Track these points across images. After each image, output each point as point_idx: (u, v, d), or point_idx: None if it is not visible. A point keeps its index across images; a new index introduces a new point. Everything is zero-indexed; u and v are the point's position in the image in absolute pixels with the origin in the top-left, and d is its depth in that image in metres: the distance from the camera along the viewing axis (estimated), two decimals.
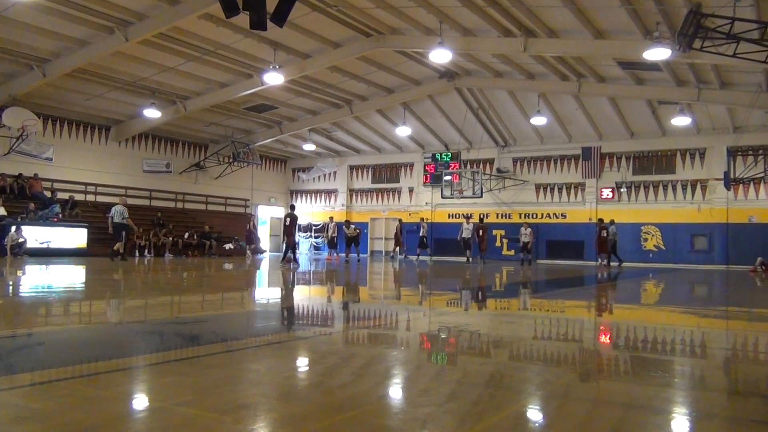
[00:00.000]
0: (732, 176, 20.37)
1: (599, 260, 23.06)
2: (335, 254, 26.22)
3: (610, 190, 25.49)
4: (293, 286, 11.32)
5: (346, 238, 24.51)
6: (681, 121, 21.97)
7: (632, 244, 24.84)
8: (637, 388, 3.41)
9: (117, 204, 18.34)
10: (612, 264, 22.49)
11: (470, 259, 24.44)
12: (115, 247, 17.89)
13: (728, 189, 21.96)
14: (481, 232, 24.03)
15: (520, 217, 26.58)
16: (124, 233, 17.82)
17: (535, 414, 2.87)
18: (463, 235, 24.52)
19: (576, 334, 5.83)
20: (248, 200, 31.37)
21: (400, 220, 27.84)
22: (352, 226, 24.99)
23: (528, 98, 23.44)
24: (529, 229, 23.98)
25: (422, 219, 27.11)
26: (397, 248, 26.73)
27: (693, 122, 22.67)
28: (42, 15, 15.79)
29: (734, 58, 13.41)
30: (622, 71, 19.63)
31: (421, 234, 25.46)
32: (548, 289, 12.25)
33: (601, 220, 22.79)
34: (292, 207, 20.22)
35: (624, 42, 16.76)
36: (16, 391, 3.01)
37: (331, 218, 27.73)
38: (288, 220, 19.17)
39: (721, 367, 4.30)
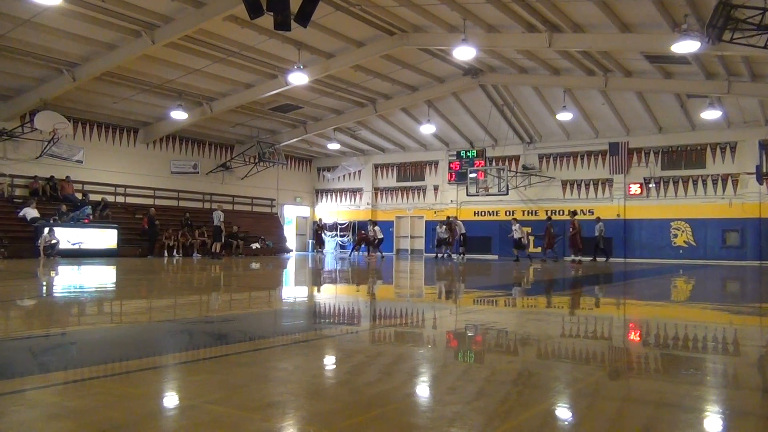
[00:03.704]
0: (764, 170, 19.97)
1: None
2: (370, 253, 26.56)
3: (639, 185, 25.14)
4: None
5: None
6: (711, 114, 21.58)
7: (662, 241, 24.52)
8: (668, 386, 3.36)
9: (216, 210, 22.37)
10: (599, 259, 23.28)
11: (440, 256, 25.58)
12: (213, 249, 21.81)
13: (761, 183, 21.52)
14: (548, 229, 24.05)
15: (546, 214, 26.34)
16: (223, 234, 21.95)
17: (563, 412, 2.84)
18: (441, 235, 25.49)
19: (605, 332, 5.76)
20: (274, 200, 31.61)
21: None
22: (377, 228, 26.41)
23: (553, 94, 23.21)
24: (517, 225, 23.83)
25: (449, 217, 26.96)
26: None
27: (723, 116, 22.25)
28: (71, 20, 16.07)
29: (766, 49, 13.12)
30: (650, 65, 19.33)
31: (461, 233, 25.56)
32: (575, 287, 12.12)
33: (573, 213, 23.44)
34: (374, 222, 26.64)
35: (651, 35, 16.50)
36: (50, 389, 3.07)
37: (371, 220, 27.88)
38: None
39: (755, 364, 4.21)
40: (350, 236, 31.95)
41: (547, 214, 25.50)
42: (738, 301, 9.58)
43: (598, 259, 23.46)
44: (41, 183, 21.80)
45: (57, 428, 2.42)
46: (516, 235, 23.66)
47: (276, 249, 28.26)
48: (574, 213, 23.64)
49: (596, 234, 23.38)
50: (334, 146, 30.10)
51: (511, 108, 24.95)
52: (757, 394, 3.34)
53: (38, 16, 15.67)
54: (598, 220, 23.54)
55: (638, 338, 5.33)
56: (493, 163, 27.61)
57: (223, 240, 22.12)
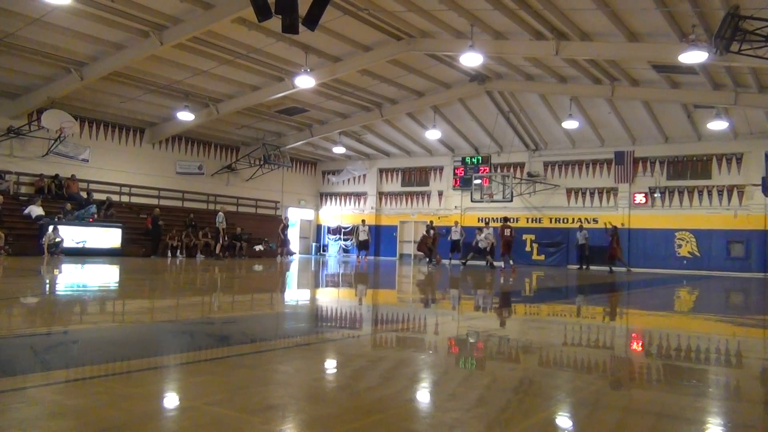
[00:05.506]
0: None
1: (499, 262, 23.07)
2: (363, 256, 26.58)
3: (644, 195, 25.07)
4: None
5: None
6: (717, 125, 21.52)
7: (666, 251, 24.43)
8: (669, 397, 3.34)
9: (219, 212, 23.21)
10: (591, 267, 23.47)
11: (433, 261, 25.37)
12: (216, 250, 22.46)
13: (766, 195, 21.46)
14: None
15: (551, 222, 26.32)
16: (221, 236, 22.67)
17: (564, 421, 2.83)
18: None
19: (607, 341, 5.74)
20: (278, 202, 31.61)
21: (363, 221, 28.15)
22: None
23: (560, 101, 23.20)
24: (489, 230, 23.58)
25: (431, 222, 26.76)
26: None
27: (730, 126, 22.18)
28: (80, 19, 16.16)
29: None
30: (657, 74, 19.30)
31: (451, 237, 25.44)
32: (575, 296, 12.09)
33: (506, 221, 23.20)
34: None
35: (659, 45, 16.48)
36: (51, 388, 3.08)
37: (363, 221, 27.87)
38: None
39: (758, 377, 4.19)
40: (353, 240, 31.91)
41: (485, 221, 25.35)
42: (741, 313, 9.54)
43: (584, 267, 23.73)
44: (47, 181, 21.87)
45: (58, 427, 2.42)
46: (481, 245, 23.15)
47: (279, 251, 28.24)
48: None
49: (581, 242, 23.52)
50: (339, 150, 30.10)
51: (517, 115, 24.94)
52: (759, 407, 3.33)
53: (47, 15, 15.75)
54: (581, 228, 23.66)
55: (640, 348, 5.31)
56: (498, 170, 27.53)
57: (221, 241, 22.38)
